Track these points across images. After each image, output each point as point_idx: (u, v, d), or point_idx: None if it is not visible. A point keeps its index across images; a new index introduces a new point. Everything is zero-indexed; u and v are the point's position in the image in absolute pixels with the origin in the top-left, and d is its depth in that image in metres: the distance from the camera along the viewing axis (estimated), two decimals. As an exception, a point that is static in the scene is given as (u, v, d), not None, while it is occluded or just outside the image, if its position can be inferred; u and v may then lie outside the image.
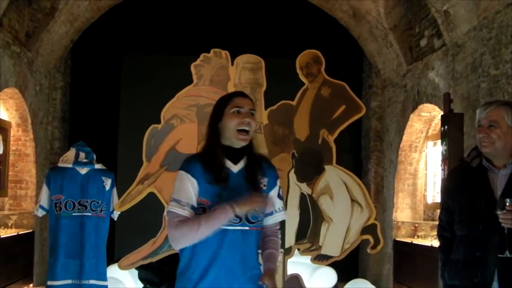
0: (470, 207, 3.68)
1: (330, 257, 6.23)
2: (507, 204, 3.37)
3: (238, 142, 3.31)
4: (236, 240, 3.26)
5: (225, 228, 3.22)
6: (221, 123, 3.33)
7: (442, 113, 8.32)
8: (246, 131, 3.30)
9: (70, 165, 6.80)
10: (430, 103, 9.33)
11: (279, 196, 3.46)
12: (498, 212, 3.40)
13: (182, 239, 3.21)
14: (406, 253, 10.10)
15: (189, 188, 3.24)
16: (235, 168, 3.33)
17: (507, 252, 3.44)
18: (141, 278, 7.58)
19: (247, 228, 3.28)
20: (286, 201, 6.05)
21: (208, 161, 3.28)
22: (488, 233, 3.55)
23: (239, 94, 3.44)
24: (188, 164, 3.31)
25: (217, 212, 3.16)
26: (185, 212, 3.21)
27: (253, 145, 3.41)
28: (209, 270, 3.24)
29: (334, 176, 6.24)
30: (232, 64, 6.09)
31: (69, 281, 6.74)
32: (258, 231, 3.36)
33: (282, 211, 3.49)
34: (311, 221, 6.26)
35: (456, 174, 4.00)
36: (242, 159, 3.35)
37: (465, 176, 3.81)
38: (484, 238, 3.57)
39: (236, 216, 3.22)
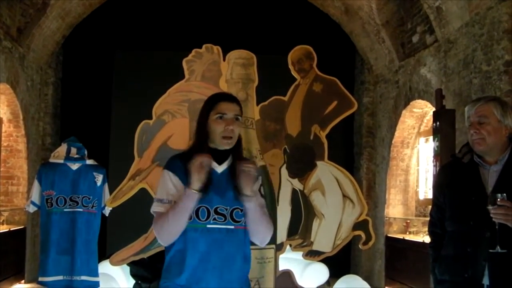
0: (461, 203, 3.68)
1: (322, 253, 6.23)
2: (498, 199, 3.37)
3: (223, 146, 3.33)
4: (221, 239, 3.27)
5: (211, 227, 3.25)
6: (207, 126, 3.33)
7: (434, 109, 8.34)
8: (230, 137, 3.31)
9: (62, 161, 6.80)
10: (422, 99, 9.35)
11: (262, 195, 3.42)
12: (490, 208, 3.40)
13: (162, 233, 3.27)
14: (398, 249, 10.12)
15: (170, 186, 3.26)
16: (220, 168, 3.34)
17: (498, 247, 3.44)
18: (133, 274, 7.57)
19: (232, 227, 3.29)
20: (278, 197, 6.04)
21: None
22: (479, 229, 3.56)
23: (226, 98, 3.41)
24: (171, 163, 3.34)
25: (181, 197, 3.19)
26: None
27: (240, 145, 3.44)
28: (197, 270, 3.26)
29: (326, 172, 6.23)
30: (224, 60, 6.07)
31: (60, 277, 6.74)
32: (244, 231, 3.34)
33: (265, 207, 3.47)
34: (302, 217, 6.25)
35: (447, 170, 4.00)
36: (227, 159, 3.37)
37: (456, 172, 3.81)
38: (475, 234, 3.58)
39: (221, 214, 3.26)
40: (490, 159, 3.68)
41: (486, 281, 3.53)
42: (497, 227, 3.44)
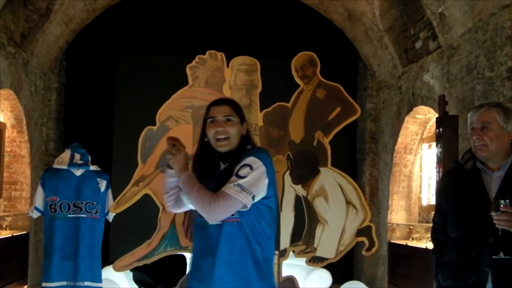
0: (464, 209, 3.68)
1: (325, 259, 6.23)
2: (502, 205, 3.38)
3: (219, 149, 3.44)
4: (210, 233, 3.37)
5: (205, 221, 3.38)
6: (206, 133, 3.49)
7: (437, 115, 8.34)
8: (224, 138, 3.42)
9: (65, 167, 6.79)
10: (425, 105, 9.35)
11: (237, 174, 3.32)
12: (493, 214, 3.40)
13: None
14: (400, 255, 10.11)
15: None
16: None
17: (501, 253, 3.44)
18: (136, 280, 7.58)
19: (219, 222, 3.36)
20: (281, 203, 6.05)
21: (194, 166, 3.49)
22: (482, 235, 3.56)
23: (215, 102, 3.55)
24: None
25: None
26: None
27: (246, 143, 3.51)
28: (192, 266, 3.49)
29: (329, 178, 6.24)
30: (228, 66, 6.09)
31: (64, 283, 6.72)
32: (237, 223, 3.36)
33: (232, 185, 3.31)
34: (306, 223, 6.26)
35: (450, 176, 4.00)
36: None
37: (459, 178, 3.81)
38: (478, 240, 3.58)
39: None
40: (493, 165, 3.68)
41: (489, 287, 3.53)
42: (500, 233, 3.43)
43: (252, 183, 3.28)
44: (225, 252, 3.33)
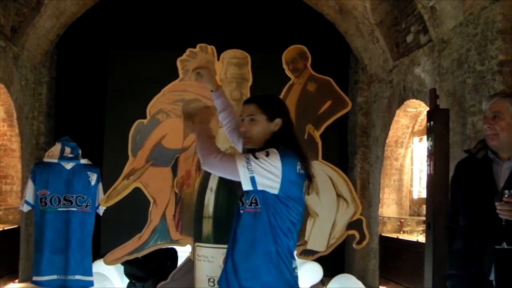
0: (473, 198, 3.71)
1: (316, 252, 6.24)
2: (506, 195, 3.37)
3: (245, 146, 3.65)
4: (241, 222, 3.51)
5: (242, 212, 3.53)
6: None
7: (428, 108, 8.34)
8: (247, 137, 3.57)
9: (56, 160, 6.79)
10: (416, 98, 9.35)
11: (253, 153, 3.44)
12: (496, 203, 3.41)
13: None
14: (391, 249, 10.13)
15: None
16: None
17: (504, 243, 3.44)
18: (127, 274, 7.57)
19: (241, 211, 3.51)
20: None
21: None
22: (487, 224, 3.57)
23: (245, 101, 3.70)
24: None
25: None
26: None
27: (271, 141, 3.55)
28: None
29: (320, 171, 6.23)
30: (218, 59, 6.08)
31: (54, 277, 6.73)
32: (254, 214, 3.45)
33: (243, 156, 3.46)
34: (297, 216, 6.24)
35: (462, 165, 4.01)
36: None
37: (469, 167, 3.84)
38: (483, 229, 3.59)
39: (241, 201, 3.53)
40: (504, 156, 3.69)
41: (493, 277, 3.54)
42: (503, 223, 3.44)
43: (259, 166, 3.34)
44: (240, 241, 3.45)
